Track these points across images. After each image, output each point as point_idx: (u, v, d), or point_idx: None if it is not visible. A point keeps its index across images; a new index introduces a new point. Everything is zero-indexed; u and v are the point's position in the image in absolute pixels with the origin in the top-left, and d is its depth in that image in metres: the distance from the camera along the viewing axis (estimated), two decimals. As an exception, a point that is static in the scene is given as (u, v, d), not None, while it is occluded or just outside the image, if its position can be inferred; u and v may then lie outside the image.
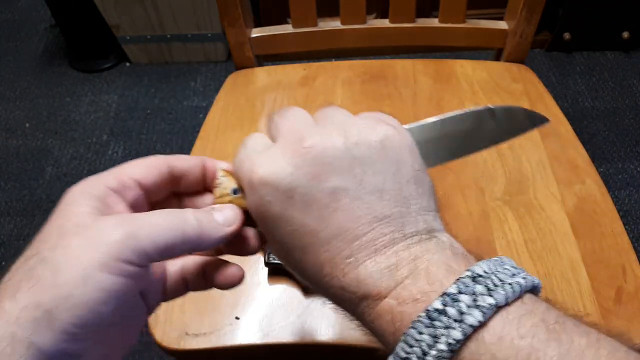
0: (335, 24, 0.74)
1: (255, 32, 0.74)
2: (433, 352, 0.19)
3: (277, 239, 0.25)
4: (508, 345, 0.19)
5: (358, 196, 0.23)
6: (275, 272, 0.51)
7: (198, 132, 0.67)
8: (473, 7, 0.78)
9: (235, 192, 0.28)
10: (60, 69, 1.65)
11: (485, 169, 0.60)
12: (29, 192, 1.31)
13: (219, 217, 0.26)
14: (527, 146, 0.62)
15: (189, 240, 0.24)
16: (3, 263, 1.17)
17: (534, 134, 0.63)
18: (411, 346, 0.20)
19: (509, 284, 0.20)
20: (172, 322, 0.48)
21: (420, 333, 0.20)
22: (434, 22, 0.73)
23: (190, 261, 0.29)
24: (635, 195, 1.24)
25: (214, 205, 0.27)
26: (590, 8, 1.45)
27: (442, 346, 0.19)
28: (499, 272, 0.21)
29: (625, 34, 1.51)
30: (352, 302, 0.24)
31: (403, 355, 0.20)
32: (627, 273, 0.50)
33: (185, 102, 1.52)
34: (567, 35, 1.53)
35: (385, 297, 0.22)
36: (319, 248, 0.23)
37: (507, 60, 0.75)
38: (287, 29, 0.74)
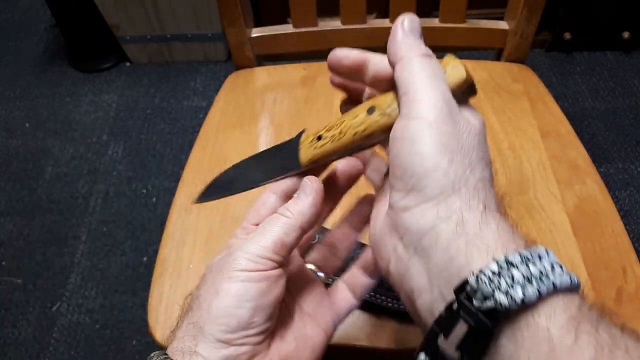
0: (335, 24, 0.74)
1: (256, 32, 0.74)
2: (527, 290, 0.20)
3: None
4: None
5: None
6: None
7: (198, 132, 0.67)
8: (473, 7, 0.78)
9: (370, 111, 0.28)
10: (60, 69, 1.65)
11: (485, 169, 0.59)
12: (28, 192, 1.31)
13: (299, 192, 0.30)
14: (527, 146, 0.62)
15: (288, 229, 0.28)
16: (3, 263, 1.17)
17: (534, 134, 0.63)
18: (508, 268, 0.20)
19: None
20: (172, 322, 0.48)
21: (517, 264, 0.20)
22: (435, 22, 0.73)
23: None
24: (635, 196, 1.24)
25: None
26: (590, 8, 1.45)
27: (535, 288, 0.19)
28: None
29: (626, 34, 1.51)
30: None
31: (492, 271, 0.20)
32: (627, 273, 0.50)
33: (185, 102, 1.52)
34: (567, 35, 1.53)
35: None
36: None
37: (508, 60, 0.75)
38: (287, 28, 0.74)
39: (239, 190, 0.33)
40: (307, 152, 0.30)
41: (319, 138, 0.29)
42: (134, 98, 1.54)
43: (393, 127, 0.26)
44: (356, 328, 0.47)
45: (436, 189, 0.23)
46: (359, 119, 0.28)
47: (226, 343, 0.25)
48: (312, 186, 0.29)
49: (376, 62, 0.29)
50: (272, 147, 0.33)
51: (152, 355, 0.26)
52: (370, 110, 0.28)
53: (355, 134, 0.28)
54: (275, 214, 0.29)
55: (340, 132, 0.28)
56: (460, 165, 0.24)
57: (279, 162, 0.32)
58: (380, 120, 0.27)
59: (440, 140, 0.23)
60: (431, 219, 0.23)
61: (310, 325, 0.31)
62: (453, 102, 0.25)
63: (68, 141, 1.43)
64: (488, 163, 0.26)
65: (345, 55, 0.30)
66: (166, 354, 0.26)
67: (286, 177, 0.31)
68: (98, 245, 1.19)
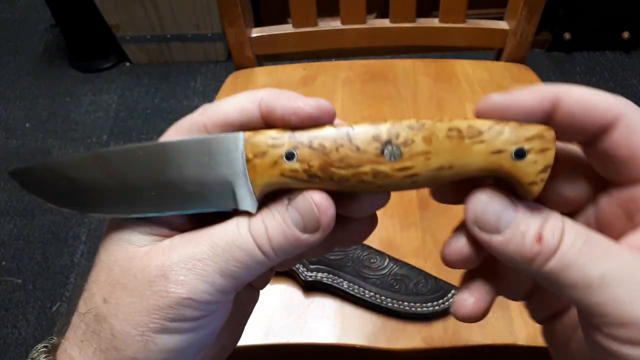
0: (335, 24, 0.74)
1: (255, 32, 0.74)
2: None
3: None
4: None
5: None
6: (276, 273, 0.51)
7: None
8: (473, 7, 0.78)
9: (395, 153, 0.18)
10: (60, 69, 1.65)
11: (485, 169, 0.59)
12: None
13: (294, 218, 0.19)
14: (527, 146, 0.62)
15: (257, 269, 0.19)
16: (3, 263, 1.17)
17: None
18: None
19: None
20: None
21: None
22: (434, 22, 0.73)
23: None
24: (635, 195, 1.24)
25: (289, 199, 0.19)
26: (590, 8, 1.45)
27: None
28: None
29: (626, 34, 1.51)
30: None
31: None
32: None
33: (185, 102, 1.52)
34: (567, 35, 1.53)
35: None
36: None
37: (508, 60, 0.74)
38: (287, 28, 0.74)
39: (89, 210, 0.21)
40: (264, 174, 0.19)
41: (289, 157, 0.19)
42: (134, 98, 1.54)
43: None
44: (356, 328, 0.47)
45: None
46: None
47: None
48: (318, 220, 0.19)
49: (573, 102, 0.18)
50: (189, 140, 0.20)
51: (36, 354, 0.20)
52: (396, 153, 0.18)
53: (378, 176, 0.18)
54: (244, 233, 0.19)
55: (339, 165, 0.18)
56: None
57: (200, 175, 0.19)
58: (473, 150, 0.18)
59: None
60: None
61: (246, 292, 0.25)
62: None
63: (68, 141, 1.43)
64: None
65: (518, 103, 0.18)
66: None
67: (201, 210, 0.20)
68: (98, 245, 1.19)
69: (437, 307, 0.47)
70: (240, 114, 0.20)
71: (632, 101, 0.18)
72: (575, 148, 0.20)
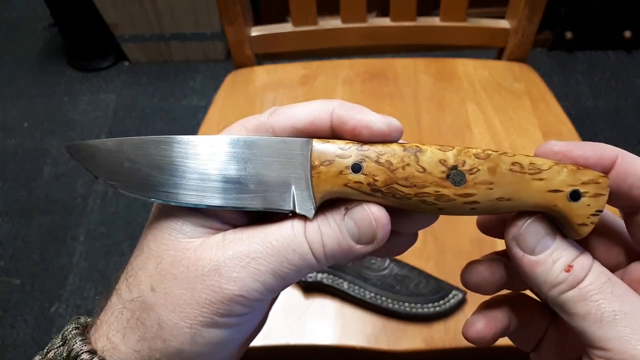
0: (335, 23, 0.73)
1: (255, 31, 0.73)
2: None
3: None
4: None
5: None
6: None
7: (197, 131, 0.67)
8: (474, 5, 0.78)
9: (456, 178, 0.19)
10: (58, 68, 1.64)
11: (487, 168, 0.59)
12: (27, 192, 1.30)
13: (350, 228, 0.20)
14: (528, 146, 0.61)
15: (306, 271, 0.20)
16: (1, 264, 1.17)
17: (536, 134, 0.63)
18: None
19: None
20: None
21: None
22: (435, 21, 0.73)
23: None
24: (636, 195, 1.24)
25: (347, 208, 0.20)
26: (592, 7, 1.44)
27: None
28: None
29: (627, 33, 1.51)
30: None
31: None
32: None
33: (184, 101, 1.52)
34: (569, 34, 1.53)
35: None
36: None
37: (509, 59, 0.74)
38: (287, 27, 0.73)
39: (159, 197, 0.20)
40: (328, 182, 0.20)
41: (356, 169, 0.19)
42: (133, 97, 1.54)
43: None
44: (357, 329, 0.47)
45: None
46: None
47: None
48: (375, 233, 0.20)
49: (627, 166, 0.20)
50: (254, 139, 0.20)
51: (70, 331, 0.21)
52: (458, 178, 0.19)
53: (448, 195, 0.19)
54: (299, 237, 0.19)
55: (409, 182, 0.19)
56: None
57: (263, 175, 0.20)
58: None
59: None
60: None
61: None
62: None
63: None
64: None
65: (579, 154, 0.20)
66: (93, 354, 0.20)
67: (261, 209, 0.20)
68: (97, 245, 1.19)
69: (437, 308, 0.46)
70: (312, 121, 0.20)
71: (634, 100, 0.18)
72: (616, 218, 0.22)
